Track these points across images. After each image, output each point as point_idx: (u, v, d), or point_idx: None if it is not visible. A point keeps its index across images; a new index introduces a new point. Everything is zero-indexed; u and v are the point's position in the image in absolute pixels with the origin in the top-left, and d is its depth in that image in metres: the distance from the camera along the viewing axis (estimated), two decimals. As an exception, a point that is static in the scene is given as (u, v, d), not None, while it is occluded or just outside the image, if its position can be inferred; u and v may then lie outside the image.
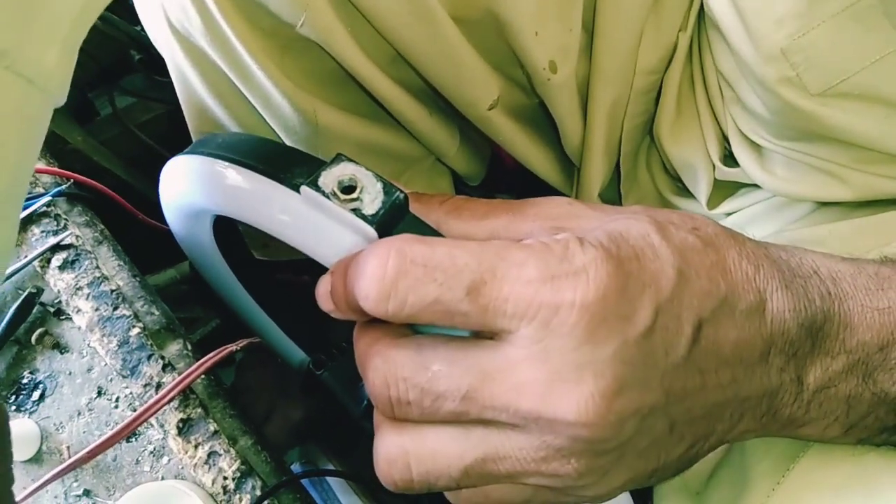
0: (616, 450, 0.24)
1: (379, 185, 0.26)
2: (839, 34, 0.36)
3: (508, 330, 0.23)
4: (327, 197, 0.26)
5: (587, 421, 0.22)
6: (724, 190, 0.51)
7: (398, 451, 0.25)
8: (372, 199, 0.26)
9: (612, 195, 0.58)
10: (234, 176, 0.33)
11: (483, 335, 0.24)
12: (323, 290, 0.26)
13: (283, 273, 0.66)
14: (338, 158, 0.27)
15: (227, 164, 0.33)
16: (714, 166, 0.49)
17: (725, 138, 0.48)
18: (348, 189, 0.26)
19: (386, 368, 0.24)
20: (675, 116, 0.50)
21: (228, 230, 0.49)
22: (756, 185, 0.48)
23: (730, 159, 0.49)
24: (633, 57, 0.48)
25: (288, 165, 0.30)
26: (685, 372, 0.24)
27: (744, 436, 0.27)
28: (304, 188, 0.27)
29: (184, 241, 0.52)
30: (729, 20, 0.41)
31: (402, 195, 0.26)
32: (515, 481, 0.25)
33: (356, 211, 0.26)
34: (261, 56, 0.42)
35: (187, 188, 0.39)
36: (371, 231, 0.26)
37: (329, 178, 0.27)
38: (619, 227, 0.25)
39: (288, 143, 0.48)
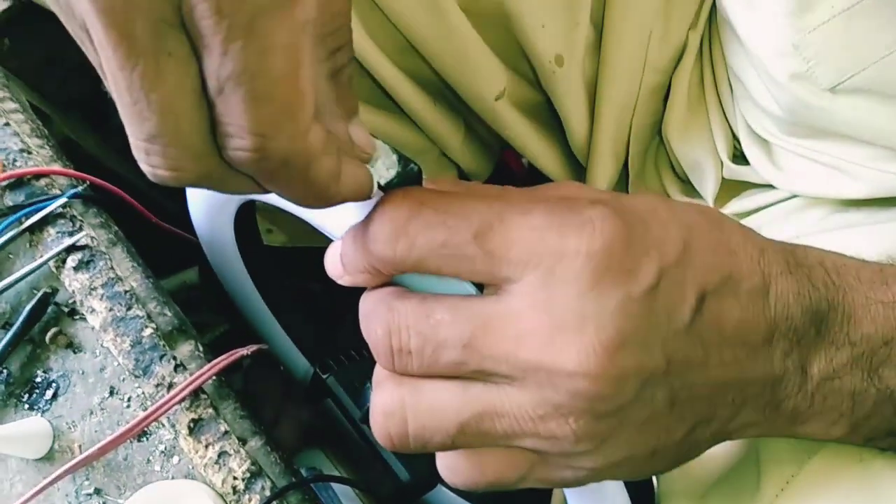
0: (615, 414, 0.23)
1: (394, 157, 0.27)
2: (851, 29, 0.37)
3: (512, 278, 0.23)
4: None
5: (587, 371, 0.22)
6: (731, 190, 0.51)
7: (396, 404, 0.25)
8: (387, 168, 0.26)
9: (621, 196, 0.59)
10: None
11: (488, 291, 0.24)
12: (332, 255, 0.27)
13: (296, 278, 0.67)
14: None
15: None
16: (722, 164, 0.50)
17: (735, 137, 0.49)
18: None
19: (389, 317, 0.24)
20: (684, 115, 0.51)
21: (248, 227, 0.50)
22: (762, 187, 0.49)
23: (739, 158, 0.49)
24: (643, 55, 0.49)
25: None
26: (687, 342, 0.24)
27: (746, 430, 0.27)
28: None
29: (204, 235, 0.53)
30: (741, 16, 0.42)
31: (416, 167, 0.27)
32: (512, 443, 0.25)
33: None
34: None
35: None
36: None
37: None
38: (629, 198, 0.26)
39: None
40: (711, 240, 0.25)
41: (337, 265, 0.27)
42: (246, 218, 0.48)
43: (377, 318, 0.25)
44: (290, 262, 0.63)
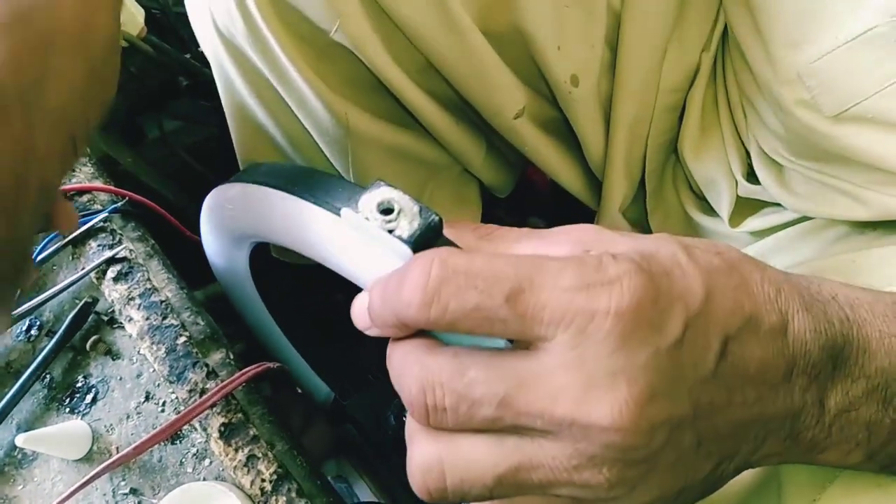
0: (646, 461, 0.24)
1: (416, 208, 0.28)
2: (853, 59, 0.38)
3: (545, 337, 0.24)
4: (366, 219, 0.28)
5: (620, 426, 0.23)
6: (746, 208, 0.52)
7: (433, 459, 0.25)
8: (409, 221, 0.27)
9: (637, 212, 0.59)
10: (276, 200, 0.35)
11: (519, 345, 0.25)
12: (359, 308, 0.27)
13: (316, 296, 0.68)
14: (376, 183, 0.29)
15: (269, 189, 0.36)
16: (737, 183, 0.51)
17: (748, 155, 0.50)
18: (386, 211, 0.28)
19: (423, 375, 0.25)
20: (699, 134, 0.52)
21: (263, 264, 0.51)
22: (778, 205, 0.49)
23: (753, 177, 0.50)
24: (656, 75, 0.50)
25: (329, 191, 0.32)
26: (712, 387, 0.25)
27: (767, 459, 0.28)
28: (344, 210, 0.29)
29: (220, 273, 0.54)
30: (750, 42, 0.43)
31: (437, 218, 0.28)
32: (548, 492, 0.25)
33: (393, 232, 0.28)
34: (298, 60, 0.44)
35: (230, 213, 0.42)
36: (407, 251, 0.27)
37: (368, 201, 0.28)
38: (648, 246, 0.26)
39: (321, 144, 0.50)
40: (730, 283, 0.26)
41: (364, 317, 0.27)
42: (261, 253, 0.49)
43: (410, 375, 0.26)
44: (307, 289, 0.64)
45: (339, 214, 0.30)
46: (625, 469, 0.24)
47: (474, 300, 0.24)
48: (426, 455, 0.26)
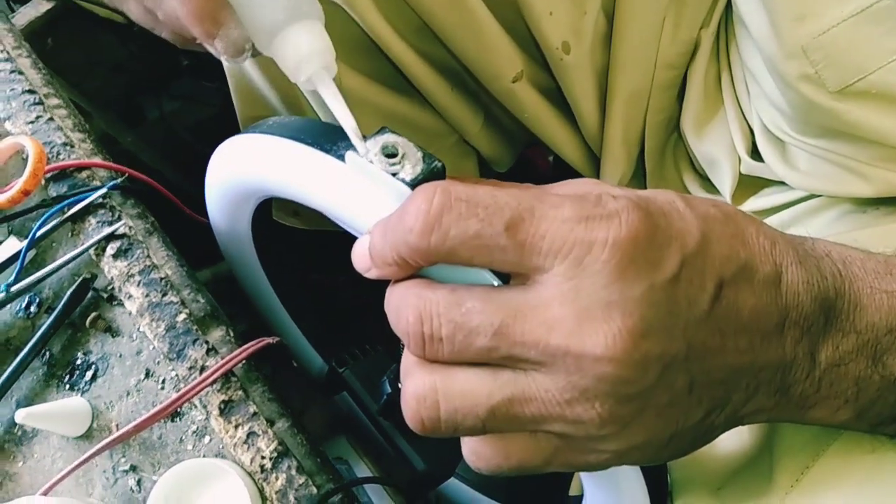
0: (638, 397, 0.24)
1: (419, 154, 0.28)
2: (858, 33, 0.37)
3: (542, 268, 0.24)
4: (370, 161, 0.28)
5: (613, 356, 0.23)
6: (748, 187, 0.52)
7: (428, 389, 0.26)
8: (412, 165, 0.28)
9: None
10: (282, 148, 0.35)
11: (516, 281, 0.25)
12: (360, 249, 0.28)
13: (311, 273, 0.68)
14: (382, 130, 0.29)
15: (275, 137, 0.36)
16: (740, 160, 0.50)
17: (752, 132, 0.50)
18: (390, 155, 0.28)
19: (421, 305, 0.25)
20: (701, 110, 0.52)
21: (265, 226, 0.51)
22: (780, 185, 0.49)
23: (756, 154, 0.50)
24: (653, 50, 0.49)
25: (335, 139, 0.32)
26: (706, 328, 0.25)
27: (757, 415, 0.28)
28: (349, 154, 0.29)
29: (221, 234, 0.54)
30: (755, 17, 0.42)
31: (440, 164, 0.28)
32: (540, 427, 0.26)
33: (397, 175, 0.28)
34: None
35: (237, 164, 0.42)
36: (410, 193, 0.28)
37: (372, 145, 0.29)
38: (646, 192, 0.27)
39: (315, 107, 0.50)
40: (727, 231, 0.26)
41: (365, 258, 0.27)
42: (262, 217, 0.49)
43: (408, 307, 0.26)
44: (305, 258, 0.64)
45: (343, 160, 0.30)
46: (616, 405, 0.24)
47: (475, 227, 0.24)
48: (421, 385, 0.26)
